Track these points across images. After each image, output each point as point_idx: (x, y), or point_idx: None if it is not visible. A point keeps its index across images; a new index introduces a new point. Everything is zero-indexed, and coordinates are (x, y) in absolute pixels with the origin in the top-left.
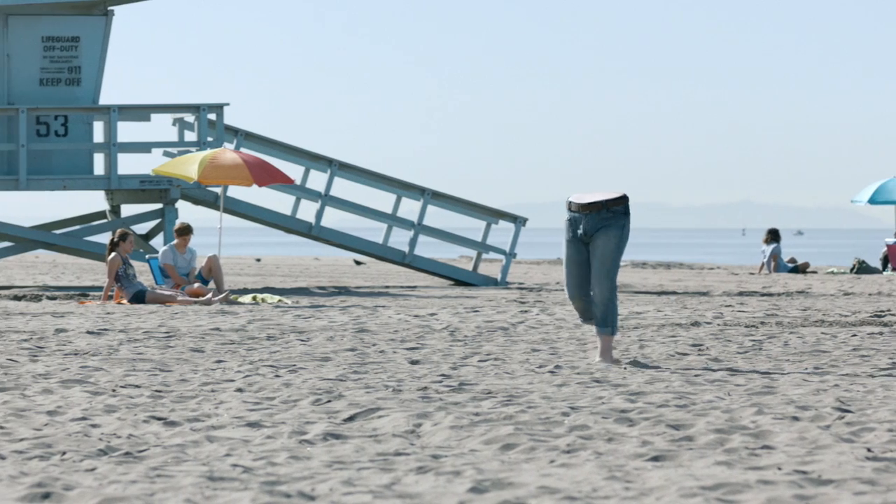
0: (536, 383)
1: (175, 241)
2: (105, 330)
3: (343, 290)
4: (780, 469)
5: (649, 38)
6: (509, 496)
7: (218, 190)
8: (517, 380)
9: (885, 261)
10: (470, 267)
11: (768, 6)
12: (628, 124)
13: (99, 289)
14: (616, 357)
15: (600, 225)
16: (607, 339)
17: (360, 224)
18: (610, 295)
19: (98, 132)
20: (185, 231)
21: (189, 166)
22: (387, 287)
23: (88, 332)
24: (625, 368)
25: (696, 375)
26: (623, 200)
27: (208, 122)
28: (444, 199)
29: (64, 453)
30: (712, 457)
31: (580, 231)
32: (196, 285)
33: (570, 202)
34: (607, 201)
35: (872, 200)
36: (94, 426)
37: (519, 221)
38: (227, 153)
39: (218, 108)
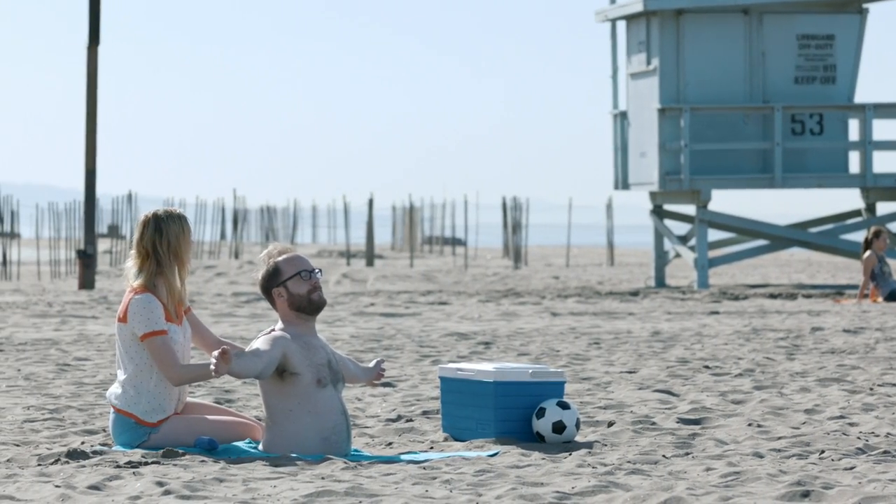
0: None
1: None
2: (861, 328)
3: None
4: None
5: None
6: None
7: None
8: None
9: None
10: None
11: None
12: None
13: (854, 287)
14: None
15: None
16: None
17: None
18: None
19: (853, 130)
20: None
21: None
22: None
23: (845, 331)
24: None
25: None
26: None
27: None
28: None
29: (822, 452)
30: None
31: None
32: None
33: None
34: None
35: None
36: (851, 425)
37: None
38: None
39: None
